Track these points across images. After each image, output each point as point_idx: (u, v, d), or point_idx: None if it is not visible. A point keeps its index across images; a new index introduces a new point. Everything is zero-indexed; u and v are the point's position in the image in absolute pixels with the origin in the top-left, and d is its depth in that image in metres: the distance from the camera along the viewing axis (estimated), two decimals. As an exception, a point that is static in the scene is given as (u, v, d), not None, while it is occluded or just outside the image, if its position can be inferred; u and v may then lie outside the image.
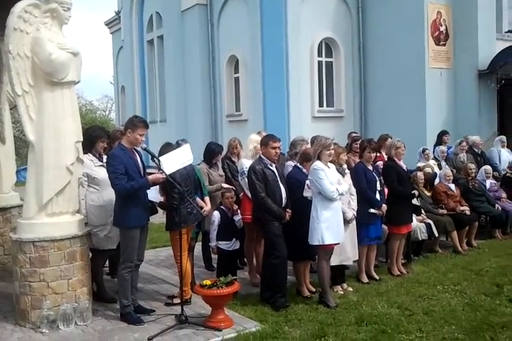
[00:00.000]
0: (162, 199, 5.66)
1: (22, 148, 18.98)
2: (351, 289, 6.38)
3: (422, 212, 8.01)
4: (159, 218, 6.14)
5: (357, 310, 5.57)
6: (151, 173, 5.32)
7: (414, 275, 6.93)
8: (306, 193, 5.91)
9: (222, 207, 6.45)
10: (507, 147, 10.97)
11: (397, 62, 13.72)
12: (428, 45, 13.37)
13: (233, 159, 7.38)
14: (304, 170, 6.08)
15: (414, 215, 7.53)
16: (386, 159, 7.44)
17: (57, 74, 5.08)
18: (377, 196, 6.63)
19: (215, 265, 6.83)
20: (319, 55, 14.72)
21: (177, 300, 5.55)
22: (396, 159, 7.05)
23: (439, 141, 10.26)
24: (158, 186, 5.50)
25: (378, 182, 6.69)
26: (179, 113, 17.52)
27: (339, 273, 6.42)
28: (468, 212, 8.48)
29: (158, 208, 5.87)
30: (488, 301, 5.81)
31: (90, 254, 5.61)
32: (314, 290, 6.24)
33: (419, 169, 8.60)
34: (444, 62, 13.73)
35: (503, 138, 10.99)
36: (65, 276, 5.08)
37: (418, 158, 9.25)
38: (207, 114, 16.72)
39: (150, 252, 8.21)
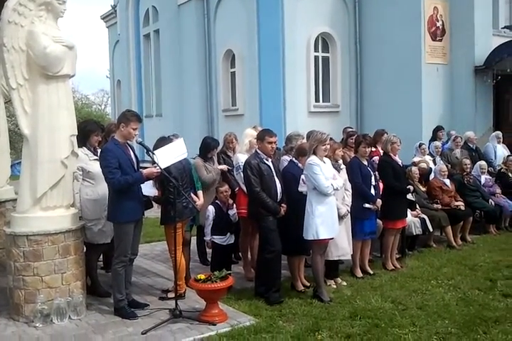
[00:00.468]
0: (157, 193, 5.65)
1: (17, 142, 18.92)
2: (345, 283, 6.41)
3: (417, 207, 8.04)
4: (154, 212, 6.14)
5: (351, 305, 5.59)
6: (145, 167, 5.31)
7: (408, 270, 6.95)
8: (302, 188, 5.92)
9: (217, 201, 6.45)
10: (503, 143, 11.00)
11: (394, 58, 13.70)
12: (424, 41, 13.35)
13: (229, 153, 7.39)
14: (300, 165, 6.08)
15: (408, 210, 7.55)
16: (382, 154, 7.45)
17: (52, 67, 5.06)
18: (372, 191, 6.64)
19: (209, 259, 6.83)
20: (316, 49, 14.68)
21: (171, 295, 5.55)
22: (392, 154, 7.06)
23: (434, 137, 10.28)
24: (151, 180, 5.49)
25: (373, 177, 6.71)
26: (175, 107, 17.49)
27: (333, 268, 6.43)
28: (462, 207, 8.52)
29: (153, 203, 5.88)
30: (481, 296, 5.84)
31: (84, 248, 5.61)
32: (308, 284, 6.26)
33: (415, 164, 8.61)
34: (441, 57, 13.70)
35: (499, 133, 11.02)
36: (59, 270, 5.08)
37: (414, 153, 9.28)
38: (203, 109, 16.68)
39: (145, 246, 8.23)
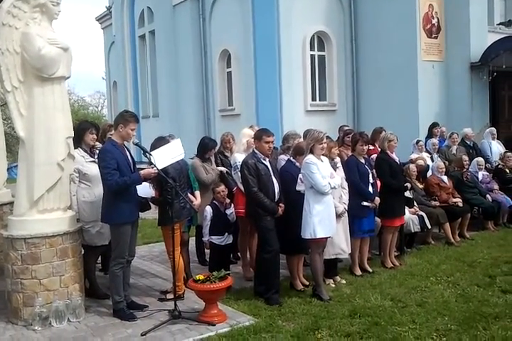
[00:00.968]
0: (154, 194, 5.64)
1: (14, 144, 18.90)
2: (344, 282, 6.40)
3: (415, 204, 8.03)
4: (152, 214, 6.13)
5: (350, 303, 5.58)
6: (141, 168, 5.30)
7: (407, 268, 6.95)
8: (299, 187, 5.91)
9: (214, 201, 6.44)
10: (499, 139, 11.01)
11: (390, 55, 13.71)
12: (420, 38, 13.36)
13: (226, 153, 7.38)
14: (297, 164, 6.07)
15: (406, 207, 7.55)
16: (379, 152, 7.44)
17: (47, 69, 5.05)
18: (370, 189, 6.64)
19: (208, 260, 6.83)
20: (311, 48, 14.68)
21: (170, 296, 5.54)
22: (389, 152, 7.06)
23: (430, 134, 10.29)
24: (147, 181, 5.47)
25: (371, 175, 6.70)
26: (172, 108, 17.46)
27: (332, 266, 6.43)
28: (460, 204, 8.52)
29: (150, 204, 5.86)
30: (480, 292, 5.84)
31: (82, 250, 5.59)
32: (308, 283, 6.25)
33: (412, 161, 8.61)
34: (436, 54, 13.71)
35: (493, 130, 11.04)
36: (57, 273, 5.07)
37: (412, 150, 9.28)
38: (199, 109, 16.66)
39: (143, 248, 8.22)
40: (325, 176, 5.66)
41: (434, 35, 13.61)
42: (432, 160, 9.20)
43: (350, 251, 6.46)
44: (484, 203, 9.04)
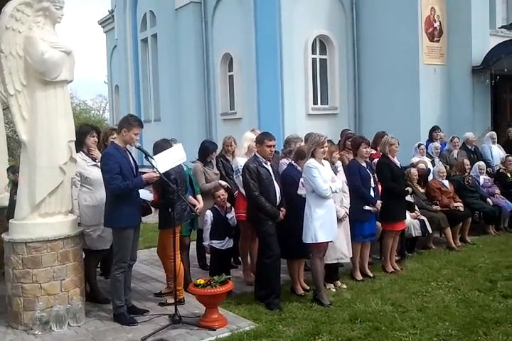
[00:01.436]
0: (153, 198, 5.65)
1: (16, 148, 18.90)
2: (345, 286, 6.39)
3: (416, 208, 8.02)
4: (153, 218, 6.14)
5: (351, 308, 5.58)
6: (143, 172, 5.31)
7: (408, 272, 6.94)
8: (301, 191, 5.91)
9: (215, 205, 6.43)
10: (498, 143, 11.00)
11: (391, 59, 13.71)
12: (422, 42, 13.36)
13: (227, 157, 7.37)
14: (299, 168, 6.07)
15: (407, 212, 7.54)
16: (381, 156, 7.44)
17: (50, 73, 5.07)
18: (372, 193, 6.63)
19: (209, 264, 6.82)
20: (313, 52, 14.70)
21: (171, 300, 5.54)
22: (390, 156, 7.05)
23: (431, 137, 10.29)
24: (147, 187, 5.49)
25: (372, 179, 6.70)
26: (173, 112, 17.48)
27: (333, 271, 6.42)
28: (461, 208, 8.51)
29: (151, 208, 5.87)
30: (481, 297, 5.83)
31: (83, 255, 5.59)
32: (308, 288, 6.25)
33: (413, 165, 8.60)
34: (438, 58, 13.72)
35: (494, 134, 11.03)
36: (58, 277, 5.07)
37: (413, 153, 9.28)
38: (201, 113, 16.69)
39: (144, 252, 8.22)
40: (326, 180, 5.66)
41: (435, 39, 13.61)
42: (434, 164, 9.19)
43: (351, 256, 6.45)
44: (485, 207, 9.03)
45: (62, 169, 5.19)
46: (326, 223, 5.68)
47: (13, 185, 6.96)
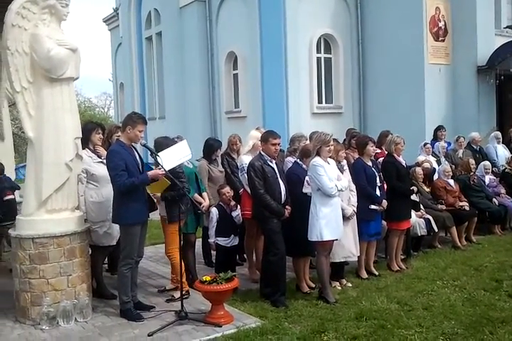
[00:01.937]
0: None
1: (21, 145, 18.96)
2: (350, 285, 6.39)
3: (421, 207, 8.01)
4: (159, 215, 6.14)
5: (356, 306, 5.58)
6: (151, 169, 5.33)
7: (413, 271, 6.93)
8: (306, 189, 5.91)
9: (220, 203, 6.45)
10: (503, 143, 10.98)
11: (396, 58, 13.71)
12: (427, 41, 13.37)
13: (232, 155, 7.37)
14: (304, 166, 6.07)
15: (413, 211, 7.54)
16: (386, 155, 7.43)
17: (56, 70, 5.08)
18: (377, 192, 6.63)
19: (214, 261, 6.83)
20: (318, 51, 14.72)
21: (177, 295, 5.55)
22: (395, 155, 7.05)
23: (435, 137, 10.28)
24: None
25: (378, 178, 6.69)
26: (178, 110, 17.51)
27: (338, 269, 6.42)
28: (467, 208, 8.50)
29: (157, 205, 5.87)
30: (487, 296, 5.82)
31: (90, 251, 5.61)
32: (314, 286, 6.25)
33: (418, 164, 8.60)
34: (443, 58, 13.72)
35: (498, 134, 11.01)
36: (65, 273, 5.09)
37: (419, 152, 9.27)
38: (206, 111, 16.71)
39: (150, 248, 8.22)
40: (332, 178, 5.66)
41: (440, 39, 13.61)
42: (439, 164, 9.18)
43: (359, 254, 6.44)
44: (491, 207, 9.01)
45: (68, 166, 5.21)
46: (332, 221, 5.68)
47: None
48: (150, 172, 5.17)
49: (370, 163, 6.71)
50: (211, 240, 6.41)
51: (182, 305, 5.10)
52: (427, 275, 6.68)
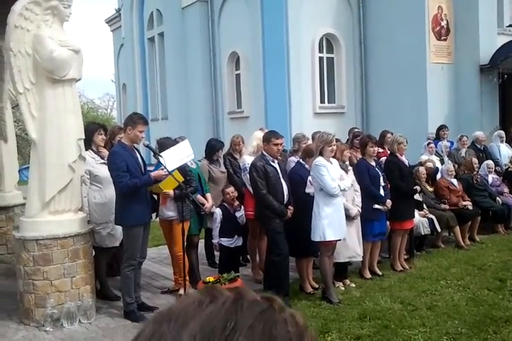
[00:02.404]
0: None
1: (24, 147, 18.99)
2: (354, 285, 6.38)
3: (425, 207, 8.00)
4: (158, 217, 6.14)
5: (360, 306, 5.57)
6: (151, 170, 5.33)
7: (416, 271, 6.92)
8: (308, 189, 5.91)
9: (224, 203, 6.45)
10: (508, 141, 10.96)
11: (399, 58, 13.68)
12: (429, 40, 13.33)
13: (235, 156, 7.37)
14: (307, 166, 6.07)
15: (416, 210, 7.52)
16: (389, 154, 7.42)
17: (59, 71, 5.09)
18: (381, 191, 6.62)
19: (218, 262, 6.83)
20: (320, 50, 14.69)
21: (181, 292, 5.56)
22: (398, 154, 7.04)
23: (438, 136, 10.27)
24: None
25: (381, 178, 6.68)
26: (181, 110, 17.51)
27: (342, 269, 6.41)
28: (470, 207, 8.48)
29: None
30: (491, 296, 5.81)
31: (93, 252, 5.62)
32: (317, 286, 6.24)
33: (421, 164, 8.58)
34: (446, 57, 13.67)
35: (502, 133, 10.98)
36: (69, 274, 5.10)
37: (422, 151, 9.26)
38: (208, 111, 16.71)
39: (152, 250, 8.22)
40: (334, 178, 5.65)
41: (443, 38, 13.57)
42: (442, 163, 9.17)
43: (363, 254, 6.44)
44: (494, 206, 9.00)
45: (71, 167, 5.22)
46: (335, 221, 5.67)
47: None
48: (153, 173, 5.18)
49: (373, 163, 6.70)
50: (215, 241, 6.41)
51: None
52: (431, 275, 6.67)
